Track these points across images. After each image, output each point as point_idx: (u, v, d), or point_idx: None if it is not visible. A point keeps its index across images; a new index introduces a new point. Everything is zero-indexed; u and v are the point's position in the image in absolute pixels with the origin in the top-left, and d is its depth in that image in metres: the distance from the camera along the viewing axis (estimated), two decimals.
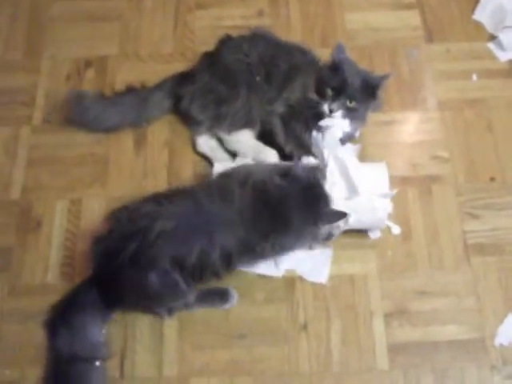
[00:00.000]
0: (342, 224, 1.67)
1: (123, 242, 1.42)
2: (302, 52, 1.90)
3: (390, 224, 1.79)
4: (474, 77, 2.08)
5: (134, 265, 1.41)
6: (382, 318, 1.69)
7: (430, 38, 2.17)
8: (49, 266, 1.76)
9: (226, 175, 1.61)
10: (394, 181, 1.80)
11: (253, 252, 1.51)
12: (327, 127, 1.74)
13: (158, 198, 1.50)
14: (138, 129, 1.97)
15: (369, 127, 1.92)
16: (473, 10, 2.22)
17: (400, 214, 1.82)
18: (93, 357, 1.58)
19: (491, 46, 2.14)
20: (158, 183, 1.89)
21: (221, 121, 1.85)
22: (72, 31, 2.20)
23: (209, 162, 1.90)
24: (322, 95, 1.76)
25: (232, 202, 1.47)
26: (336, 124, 1.73)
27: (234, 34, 1.94)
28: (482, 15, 2.21)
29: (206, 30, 2.18)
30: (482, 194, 1.88)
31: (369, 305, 1.71)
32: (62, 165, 1.92)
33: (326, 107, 1.74)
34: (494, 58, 2.12)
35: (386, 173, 1.69)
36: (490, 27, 2.18)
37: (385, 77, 1.76)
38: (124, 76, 2.08)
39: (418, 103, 2.05)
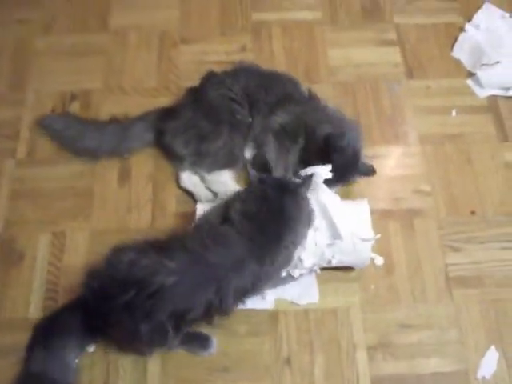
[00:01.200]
0: (324, 264, 1.68)
1: (120, 288, 1.39)
2: (293, 81, 1.95)
3: (374, 255, 1.79)
4: (454, 112, 2.12)
5: (128, 312, 1.39)
6: (365, 350, 1.69)
7: (410, 75, 2.21)
8: (31, 300, 1.74)
9: (205, 219, 1.61)
10: (377, 214, 1.83)
11: (264, 278, 1.51)
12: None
13: (157, 248, 1.46)
14: (122, 162, 1.97)
15: None
16: (451, 48, 2.27)
17: (382, 247, 1.83)
18: (61, 380, 1.55)
19: (470, 82, 2.19)
20: (143, 217, 1.89)
21: (202, 158, 1.86)
22: (57, 65, 2.21)
23: (192, 197, 1.90)
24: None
25: (229, 247, 1.45)
26: (318, 171, 1.72)
27: (218, 68, 1.97)
28: (460, 53, 2.26)
29: (190, 65, 2.20)
30: (463, 228, 1.90)
31: (352, 338, 1.70)
32: (45, 198, 1.91)
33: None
34: (472, 94, 2.17)
35: (368, 212, 1.68)
36: (468, 64, 2.23)
37: (368, 171, 1.83)
38: (108, 109, 2.09)
39: (399, 138, 2.07)
